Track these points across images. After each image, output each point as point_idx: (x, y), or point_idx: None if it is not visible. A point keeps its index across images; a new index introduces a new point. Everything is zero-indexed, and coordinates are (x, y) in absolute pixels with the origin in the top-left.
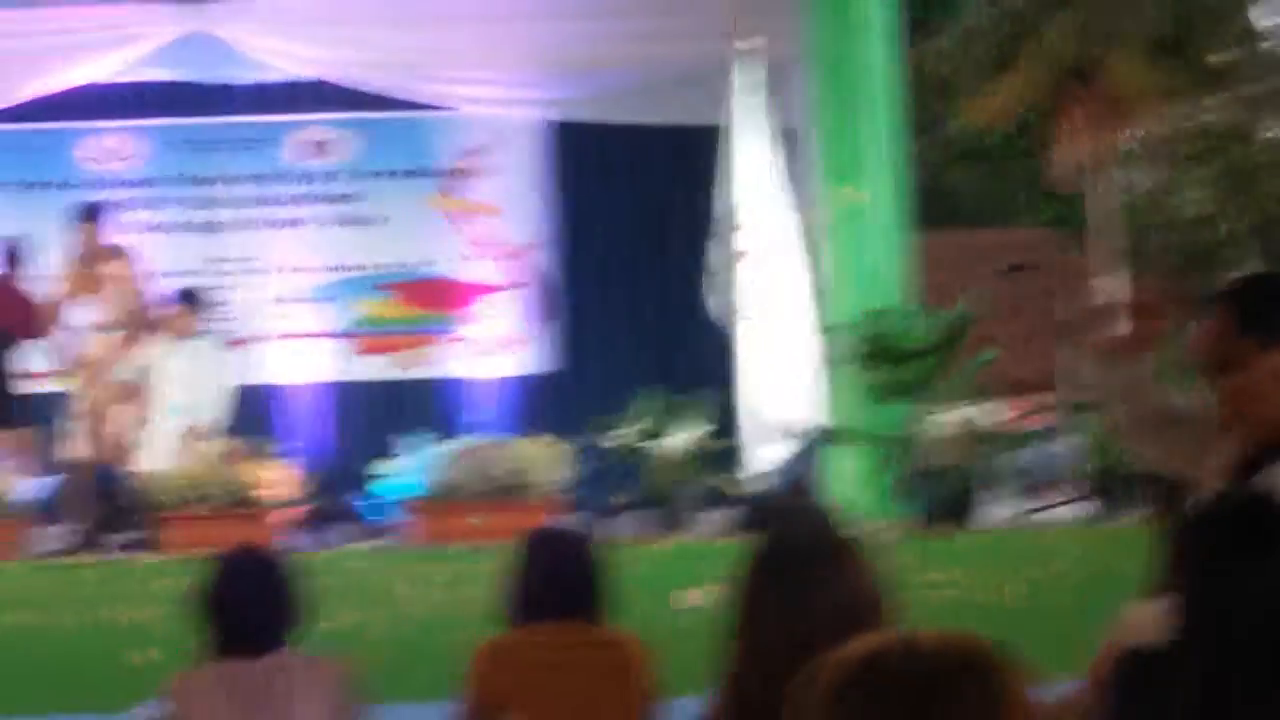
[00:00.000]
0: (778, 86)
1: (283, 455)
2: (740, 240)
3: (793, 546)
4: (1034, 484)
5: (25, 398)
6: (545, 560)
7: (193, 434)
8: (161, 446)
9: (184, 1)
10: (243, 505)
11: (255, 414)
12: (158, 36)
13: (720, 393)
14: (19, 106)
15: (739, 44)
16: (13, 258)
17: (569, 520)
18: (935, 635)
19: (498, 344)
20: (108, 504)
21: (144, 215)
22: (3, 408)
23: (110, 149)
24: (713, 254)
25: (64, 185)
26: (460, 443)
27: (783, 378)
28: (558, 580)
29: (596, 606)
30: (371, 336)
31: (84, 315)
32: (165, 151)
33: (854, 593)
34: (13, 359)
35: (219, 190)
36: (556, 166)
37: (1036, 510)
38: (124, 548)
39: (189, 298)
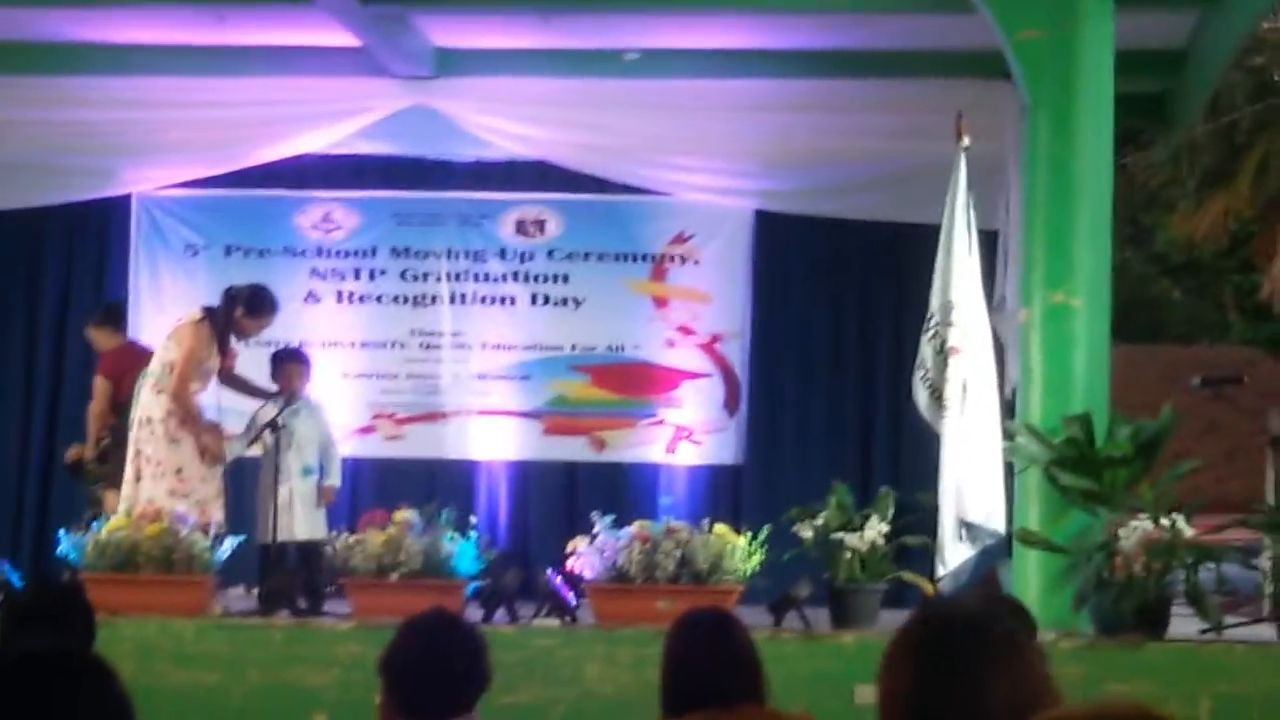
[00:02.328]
0: (984, 185)
1: (473, 528)
2: (953, 337)
3: (969, 637)
4: (1228, 600)
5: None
6: (697, 645)
7: (327, 494)
8: (304, 510)
9: (410, 77)
10: (433, 575)
11: (450, 487)
12: (383, 109)
13: (916, 489)
14: (247, 172)
15: (964, 141)
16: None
17: (748, 609)
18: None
19: (692, 431)
20: (296, 570)
21: (355, 285)
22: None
23: (330, 218)
24: (925, 350)
25: (285, 251)
26: (650, 526)
27: (977, 477)
28: (714, 665)
29: (754, 691)
30: (563, 417)
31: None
32: (381, 223)
33: (1027, 688)
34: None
35: (431, 264)
36: (759, 255)
37: (1228, 626)
38: (312, 612)
39: (299, 357)
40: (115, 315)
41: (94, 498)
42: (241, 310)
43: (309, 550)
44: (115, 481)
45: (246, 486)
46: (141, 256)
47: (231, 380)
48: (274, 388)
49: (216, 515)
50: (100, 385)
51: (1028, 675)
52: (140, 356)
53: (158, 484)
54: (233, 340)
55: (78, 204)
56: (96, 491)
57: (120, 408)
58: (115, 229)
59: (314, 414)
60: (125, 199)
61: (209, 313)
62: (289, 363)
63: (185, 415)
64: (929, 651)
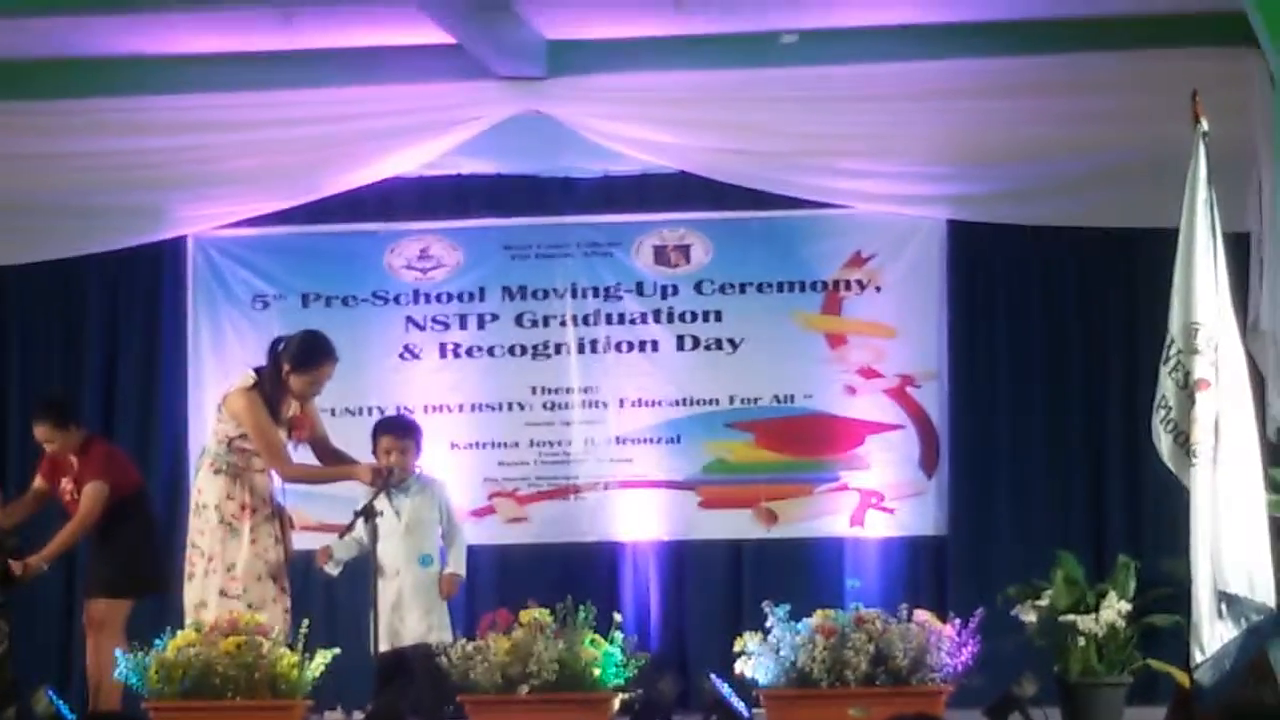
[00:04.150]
0: (1230, 178)
1: (619, 628)
2: (1199, 367)
3: None
4: None
5: None
6: None
7: (448, 585)
8: (421, 608)
9: (518, 79)
10: (572, 687)
11: (587, 577)
12: (487, 118)
13: (1162, 557)
14: (323, 204)
15: (1202, 125)
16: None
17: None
18: None
19: (882, 496)
20: (406, 687)
21: (461, 336)
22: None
23: (428, 255)
24: (1165, 384)
25: (375, 297)
26: (835, 616)
27: (1237, 538)
28: None
29: None
30: (724, 485)
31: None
32: (490, 258)
33: None
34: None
35: (553, 305)
36: (955, 277)
37: None
38: None
39: (399, 426)
40: (53, 409)
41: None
42: (288, 365)
43: (428, 659)
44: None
45: (349, 586)
46: (200, 310)
47: (333, 459)
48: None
49: (276, 623)
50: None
51: None
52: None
53: (208, 582)
54: (287, 404)
55: (124, 250)
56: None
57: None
58: (168, 278)
59: (429, 492)
60: (179, 242)
61: (260, 375)
62: (386, 435)
63: (255, 502)
64: None
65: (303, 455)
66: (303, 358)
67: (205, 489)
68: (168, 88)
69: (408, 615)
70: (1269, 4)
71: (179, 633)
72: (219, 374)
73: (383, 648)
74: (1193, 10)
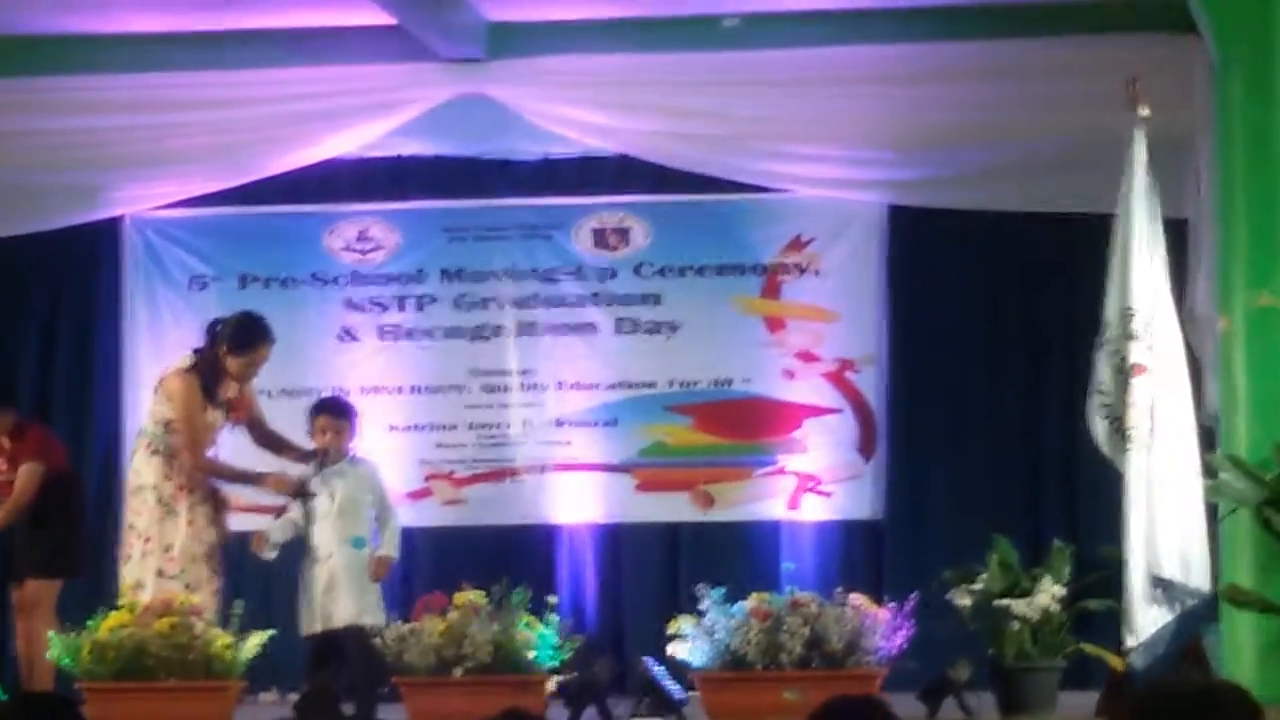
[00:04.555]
0: (1169, 165)
1: (554, 610)
2: (1135, 352)
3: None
4: None
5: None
6: None
7: (379, 567)
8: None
9: (458, 60)
10: (506, 669)
11: (524, 560)
12: (427, 100)
13: (1097, 542)
14: (261, 185)
15: (1141, 111)
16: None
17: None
18: None
19: (819, 480)
20: (339, 670)
21: (400, 317)
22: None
23: (367, 236)
24: (1101, 370)
25: (313, 279)
26: (771, 599)
27: (1172, 524)
28: None
29: None
30: (661, 469)
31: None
32: (429, 241)
33: None
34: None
35: (491, 288)
36: (895, 262)
37: None
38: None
39: (335, 407)
40: None
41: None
42: (225, 347)
43: (361, 641)
44: None
45: (284, 568)
46: (137, 291)
47: (267, 440)
48: (311, 446)
49: (208, 604)
50: None
51: None
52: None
53: (145, 563)
54: (225, 386)
55: (60, 231)
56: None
57: None
58: (105, 258)
59: (362, 474)
60: (116, 222)
61: (199, 358)
62: (322, 415)
63: (191, 483)
64: None
65: (239, 437)
66: (239, 340)
67: (142, 470)
68: (106, 67)
69: (340, 597)
70: None
71: (111, 613)
72: (156, 355)
73: (316, 629)
74: None
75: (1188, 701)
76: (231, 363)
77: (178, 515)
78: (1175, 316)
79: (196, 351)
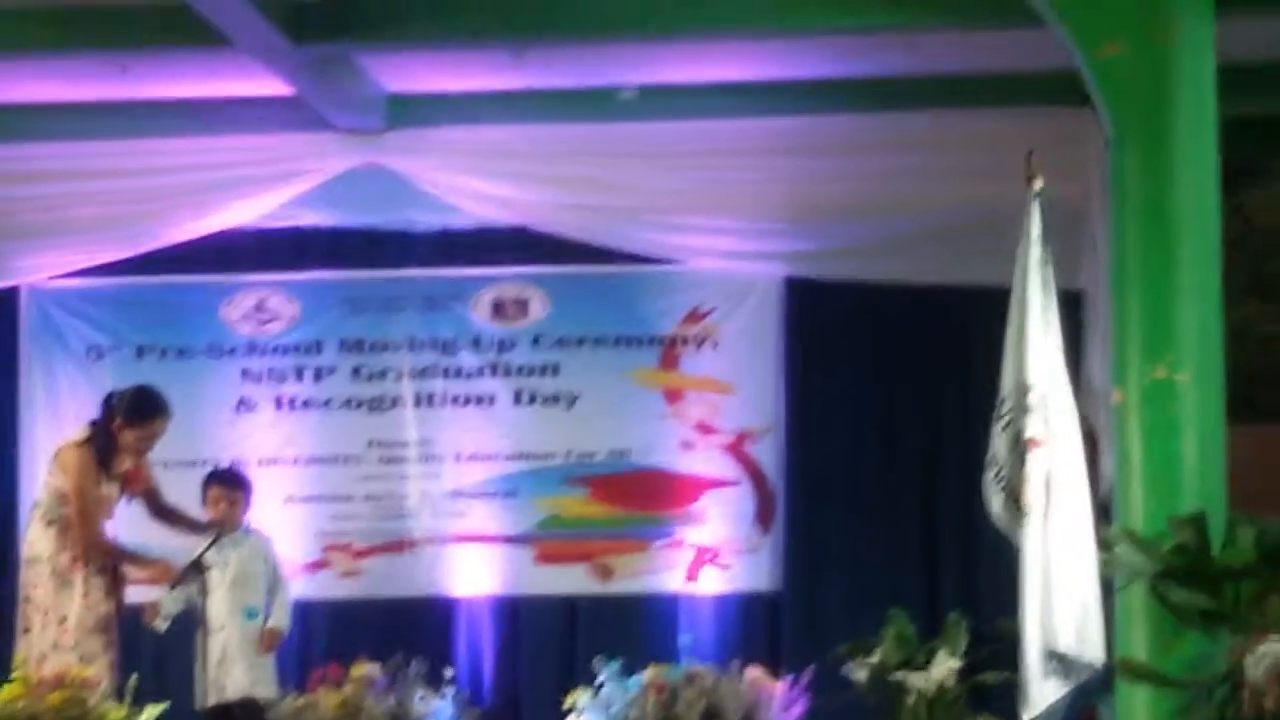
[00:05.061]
0: (1064, 237)
1: (451, 682)
2: (1031, 426)
3: None
4: None
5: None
6: None
7: (269, 639)
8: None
9: (357, 131)
10: None
11: (421, 632)
12: (325, 171)
13: (993, 615)
14: (158, 255)
15: (1036, 184)
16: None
17: None
18: None
19: (717, 553)
20: None
21: (297, 388)
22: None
23: (264, 307)
24: (997, 443)
25: (210, 350)
26: (667, 672)
27: (1067, 597)
28: None
29: None
30: (559, 541)
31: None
32: (327, 311)
33: None
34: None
35: (390, 359)
36: (791, 333)
37: None
38: None
39: (229, 479)
40: None
41: None
42: (120, 420)
43: (255, 713)
44: None
45: (178, 640)
46: (34, 362)
47: (163, 513)
48: (205, 518)
49: (103, 676)
50: None
51: None
52: None
53: (45, 635)
54: (121, 459)
55: None
56: None
57: None
58: (2, 329)
59: (256, 545)
60: (13, 292)
61: (95, 430)
62: (215, 486)
63: (86, 555)
64: None
65: (136, 509)
66: (134, 413)
67: (37, 542)
68: (1, 137)
69: (233, 669)
70: (1102, 65)
71: (5, 685)
72: (52, 425)
73: (210, 702)
74: (1028, 70)
75: None
76: (127, 435)
77: (73, 587)
78: (1071, 390)
79: (92, 424)
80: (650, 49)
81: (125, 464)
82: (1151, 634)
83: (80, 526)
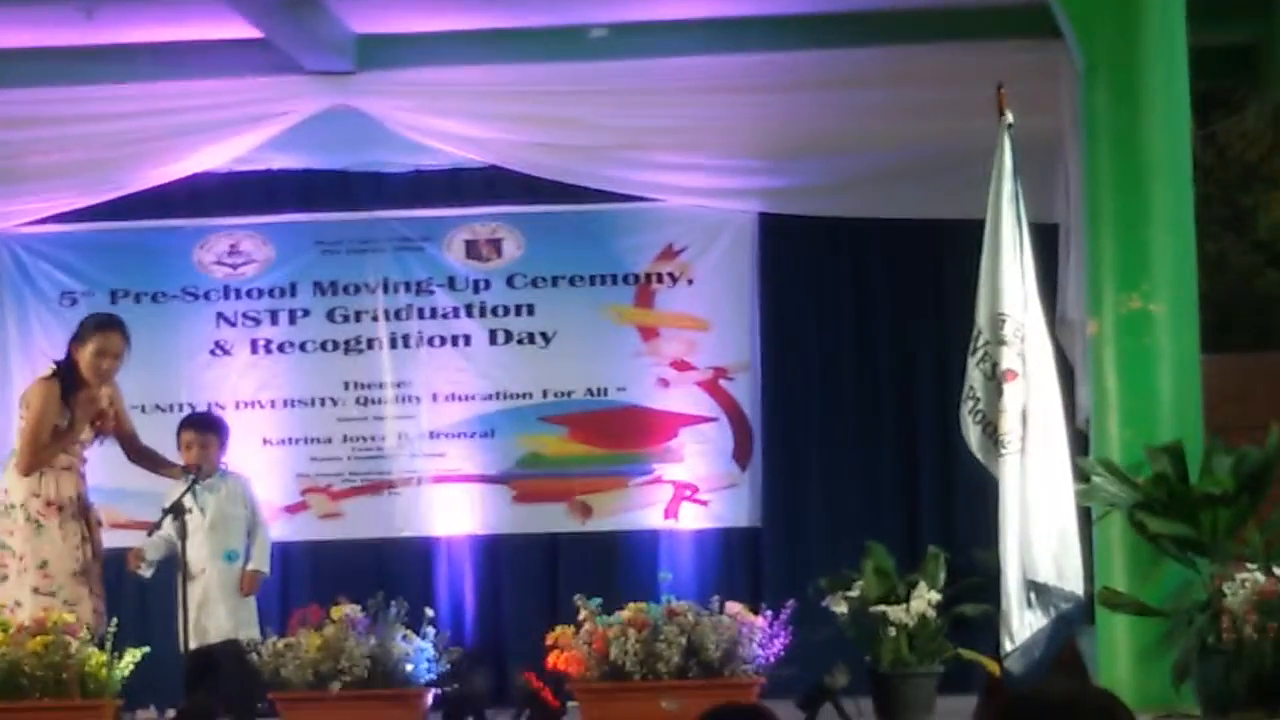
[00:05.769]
0: (1036, 170)
1: (431, 623)
2: (1006, 358)
3: None
4: None
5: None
6: None
7: (249, 582)
8: (228, 604)
9: (327, 73)
10: (383, 683)
11: (401, 573)
12: (295, 114)
13: (972, 547)
14: (130, 200)
15: (1007, 117)
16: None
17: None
18: None
19: (696, 489)
20: (215, 686)
21: (272, 331)
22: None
23: (238, 250)
24: (973, 375)
25: (184, 294)
26: (648, 609)
27: (1046, 528)
28: None
29: None
30: (537, 479)
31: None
32: (301, 254)
33: None
34: None
35: (364, 300)
36: (766, 269)
37: None
38: None
39: (206, 422)
40: None
41: None
42: (76, 342)
43: (237, 656)
44: None
45: (160, 584)
46: (8, 309)
47: (140, 456)
48: (182, 462)
49: (88, 620)
50: None
51: None
52: None
53: (21, 580)
54: (95, 397)
55: None
56: None
57: None
58: None
59: (235, 488)
60: None
61: (59, 365)
62: (188, 430)
63: (59, 499)
64: None
65: (110, 449)
66: (82, 330)
67: (12, 488)
68: None
69: (214, 612)
70: None
71: None
72: (27, 371)
73: (192, 645)
74: (999, 3)
75: (1053, 711)
76: (83, 357)
77: (49, 531)
78: (1046, 321)
79: (58, 361)
80: None
81: (91, 394)
82: (1130, 563)
83: (29, 446)
